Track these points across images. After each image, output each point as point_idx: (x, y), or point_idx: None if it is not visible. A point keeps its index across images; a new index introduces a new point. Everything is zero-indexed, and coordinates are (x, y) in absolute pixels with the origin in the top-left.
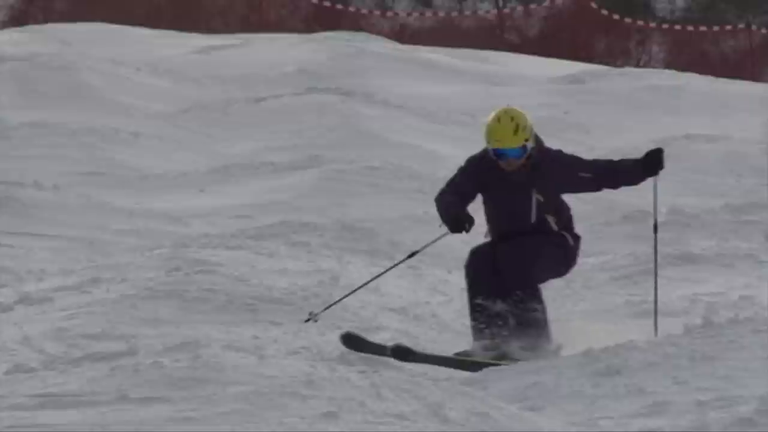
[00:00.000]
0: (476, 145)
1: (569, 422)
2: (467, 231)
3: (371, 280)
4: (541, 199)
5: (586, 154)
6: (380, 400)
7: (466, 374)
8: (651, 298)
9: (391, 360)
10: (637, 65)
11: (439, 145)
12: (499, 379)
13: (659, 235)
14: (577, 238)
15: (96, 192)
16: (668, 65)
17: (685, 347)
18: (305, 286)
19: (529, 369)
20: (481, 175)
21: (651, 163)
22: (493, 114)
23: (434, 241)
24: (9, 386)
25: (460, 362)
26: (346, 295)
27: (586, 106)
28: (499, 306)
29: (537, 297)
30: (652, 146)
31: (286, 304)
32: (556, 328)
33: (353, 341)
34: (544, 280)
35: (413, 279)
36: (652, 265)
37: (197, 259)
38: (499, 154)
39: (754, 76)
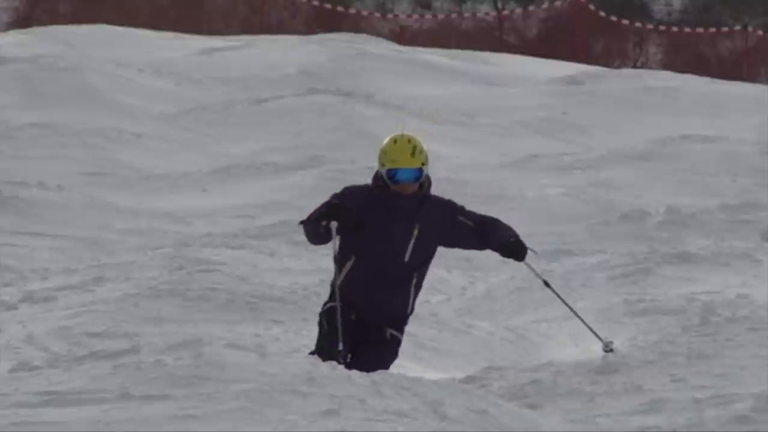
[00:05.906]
0: (476, 145)
1: (567, 420)
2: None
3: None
4: (421, 238)
5: (585, 155)
6: (380, 398)
7: (465, 372)
8: (649, 296)
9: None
10: (635, 66)
11: (439, 146)
12: (499, 377)
13: (658, 234)
14: (402, 334)
15: (99, 192)
16: (665, 66)
17: (683, 345)
18: (306, 285)
19: (527, 367)
20: (360, 200)
21: (517, 251)
22: (387, 138)
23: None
24: (13, 384)
25: None
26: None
27: (584, 107)
28: None
29: None
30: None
31: (288, 302)
32: (553, 327)
33: None
34: None
35: None
36: (650, 264)
37: (199, 258)
38: (392, 175)
39: (751, 77)
